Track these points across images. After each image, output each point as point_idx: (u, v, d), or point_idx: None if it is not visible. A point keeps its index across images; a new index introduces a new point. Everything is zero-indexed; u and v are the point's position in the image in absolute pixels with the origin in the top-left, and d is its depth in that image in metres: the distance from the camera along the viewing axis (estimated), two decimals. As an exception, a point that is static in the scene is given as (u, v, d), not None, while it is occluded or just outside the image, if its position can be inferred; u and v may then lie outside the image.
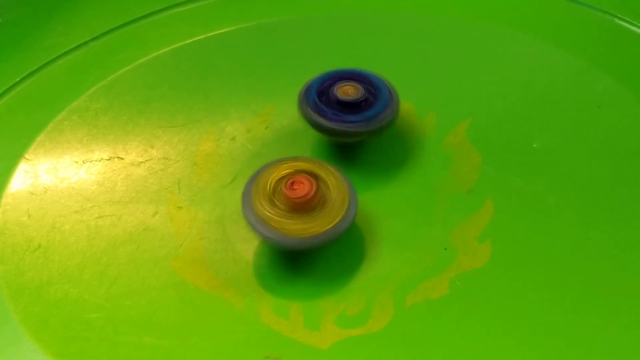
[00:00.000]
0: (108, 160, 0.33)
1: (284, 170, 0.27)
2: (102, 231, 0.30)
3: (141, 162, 0.33)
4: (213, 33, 0.38)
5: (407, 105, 0.34)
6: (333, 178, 0.27)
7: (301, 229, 0.26)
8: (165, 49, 0.37)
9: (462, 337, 0.25)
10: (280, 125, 0.34)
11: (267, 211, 0.26)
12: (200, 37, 0.38)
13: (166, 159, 0.33)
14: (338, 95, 0.30)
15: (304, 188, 0.26)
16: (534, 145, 0.31)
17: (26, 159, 0.33)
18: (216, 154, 0.33)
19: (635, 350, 0.25)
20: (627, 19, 0.35)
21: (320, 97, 0.31)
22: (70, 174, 0.32)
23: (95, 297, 0.28)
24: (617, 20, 0.35)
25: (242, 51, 0.37)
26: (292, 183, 0.26)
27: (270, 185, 0.27)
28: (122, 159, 0.33)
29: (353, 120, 0.30)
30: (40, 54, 0.37)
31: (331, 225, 0.26)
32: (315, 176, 0.27)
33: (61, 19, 0.39)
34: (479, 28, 0.36)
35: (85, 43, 0.38)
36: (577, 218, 0.28)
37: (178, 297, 0.27)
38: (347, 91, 0.30)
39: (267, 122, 0.34)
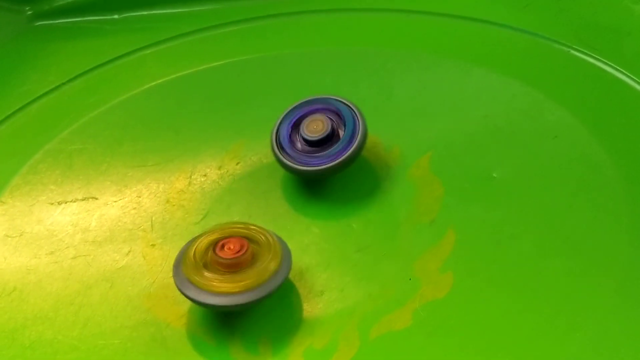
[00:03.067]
0: (82, 200, 0.34)
1: (213, 235, 0.28)
2: (76, 272, 0.31)
3: (115, 202, 0.34)
4: (183, 73, 0.39)
5: (374, 138, 0.35)
6: (262, 236, 0.28)
7: (230, 287, 0.27)
8: (137, 90, 0.38)
9: (425, 366, 0.26)
10: (251, 161, 0.35)
11: (196, 276, 0.27)
12: (170, 77, 0.39)
13: (139, 197, 0.34)
14: (306, 133, 0.31)
15: (233, 248, 0.27)
16: (494, 175, 0.32)
17: (1, 202, 0.34)
18: (188, 192, 0.34)
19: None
20: (583, 50, 0.36)
21: (289, 136, 0.32)
22: (45, 216, 0.33)
23: (69, 338, 0.28)
24: (572, 52, 0.36)
25: (211, 89, 0.38)
26: (222, 245, 0.27)
27: (199, 251, 0.28)
28: (96, 199, 0.34)
29: (318, 160, 0.31)
30: (14, 100, 0.38)
31: (261, 281, 0.27)
32: (244, 237, 0.28)
33: (33, 65, 0.40)
34: (436, 63, 0.38)
35: (59, 86, 0.39)
36: (534, 246, 0.29)
37: (150, 335, 0.28)
38: (315, 127, 0.31)
39: (238, 158, 0.35)
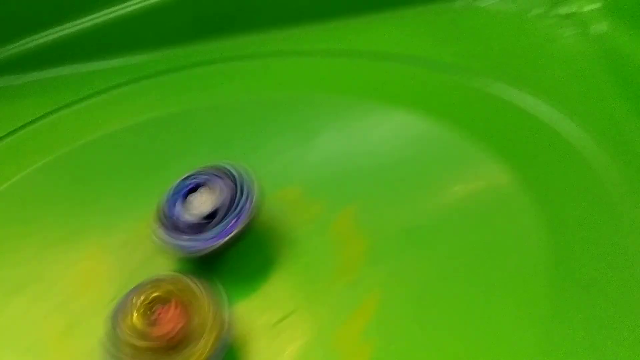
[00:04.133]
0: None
1: (146, 295, 0.27)
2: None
3: (20, 288, 0.31)
4: (93, 137, 0.37)
5: (298, 190, 0.34)
6: (197, 301, 0.26)
7: None
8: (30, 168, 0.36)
9: None
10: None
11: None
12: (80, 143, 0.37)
13: (47, 280, 0.31)
14: (188, 216, 0.30)
15: (166, 325, 0.25)
16: (414, 226, 0.31)
17: None
18: (100, 268, 0.32)
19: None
20: (502, 85, 0.35)
21: (173, 220, 0.30)
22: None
23: None
24: (490, 88, 0.35)
25: (120, 152, 0.37)
26: (155, 320, 0.26)
27: (133, 317, 0.26)
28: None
29: (206, 239, 0.29)
30: None
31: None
32: (179, 305, 0.26)
33: None
34: (358, 105, 0.36)
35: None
36: (455, 302, 0.28)
37: None
38: (199, 206, 0.30)
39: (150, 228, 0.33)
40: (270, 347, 0.28)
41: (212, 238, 0.29)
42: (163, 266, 0.31)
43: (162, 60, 0.42)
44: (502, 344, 0.27)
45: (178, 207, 0.30)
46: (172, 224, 0.30)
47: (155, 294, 0.26)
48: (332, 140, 0.36)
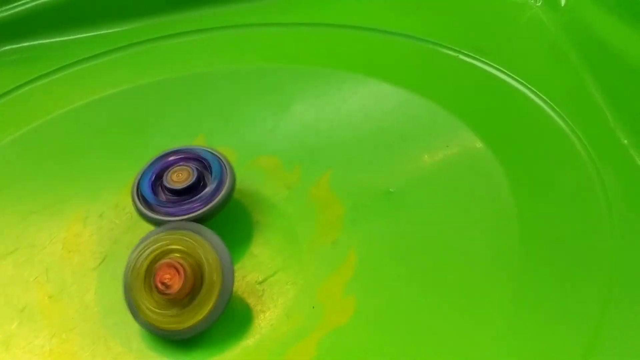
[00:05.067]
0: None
1: (157, 250, 0.28)
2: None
3: (7, 254, 0.32)
4: (71, 106, 0.38)
5: (274, 159, 0.35)
6: (205, 255, 0.28)
7: (174, 322, 0.27)
8: (25, 128, 0.37)
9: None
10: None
11: (144, 302, 0.27)
12: (58, 112, 0.37)
13: (32, 246, 0.32)
14: (170, 183, 0.30)
15: (173, 284, 0.27)
16: (390, 190, 0.33)
17: None
18: (84, 234, 0.33)
19: None
20: (471, 54, 0.37)
21: (152, 189, 0.31)
22: None
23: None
24: (460, 57, 0.37)
25: (104, 120, 0.37)
26: (162, 280, 0.27)
27: (145, 270, 0.28)
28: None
29: (188, 206, 0.30)
30: None
31: (203, 314, 0.27)
32: (184, 266, 0.27)
33: None
34: (332, 75, 0.38)
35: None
36: (431, 261, 0.30)
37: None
38: (179, 177, 0.30)
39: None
40: (256, 304, 0.29)
41: (190, 207, 0.30)
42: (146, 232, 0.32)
43: (137, 31, 0.42)
44: (477, 295, 0.28)
45: (153, 184, 0.31)
46: (147, 201, 0.30)
47: (159, 262, 0.28)
48: (307, 110, 0.37)
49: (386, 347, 0.28)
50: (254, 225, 0.32)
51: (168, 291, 0.27)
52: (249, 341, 0.28)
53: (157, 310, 0.27)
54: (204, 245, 0.28)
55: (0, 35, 0.40)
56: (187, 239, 0.28)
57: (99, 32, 0.42)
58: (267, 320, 0.29)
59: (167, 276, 0.27)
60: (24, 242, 0.32)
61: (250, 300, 0.30)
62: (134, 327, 0.29)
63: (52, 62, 0.40)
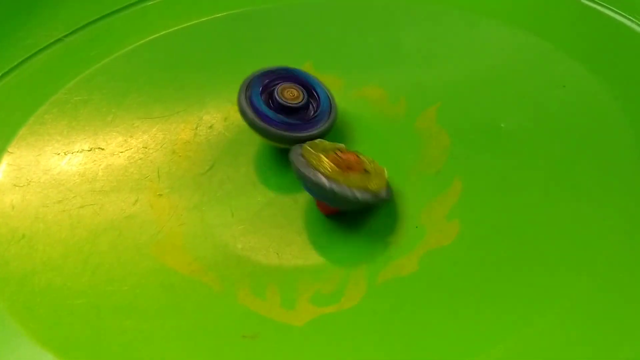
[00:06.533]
0: (89, 151, 0.34)
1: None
2: (84, 220, 0.31)
3: (121, 152, 0.34)
4: (186, 24, 0.39)
5: (380, 91, 0.35)
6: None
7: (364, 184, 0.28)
8: (140, 42, 0.38)
9: (430, 312, 0.27)
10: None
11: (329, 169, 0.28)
12: (173, 29, 0.39)
13: (145, 148, 0.34)
14: (284, 100, 0.31)
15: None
16: (501, 125, 0.32)
17: (9, 152, 0.34)
18: (194, 142, 0.34)
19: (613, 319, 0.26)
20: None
21: (264, 101, 0.31)
22: (52, 166, 0.33)
23: (79, 284, 0.29)
24: (582, 1, 0.36)
25: (215, 41, 0.38)
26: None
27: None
28: (102, 149, 0.34)
29: (308, 125, 0.31)
30: (19, 52, 0.38)
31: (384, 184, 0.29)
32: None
33: (38, 17, 0.40)
34: (444, 14, 0.37)
35: (62, 38, 0.38)
36: (541, 195, 0.29)
37: (158, 282, 0.29)
38: (291, 94, 0.31)
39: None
40: (353, 224, 0.30)
41: (312, 124, 0.31)
42: (258, 143, 0.33)
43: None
44: (584, 241, 0.28)
45: (263, 97, 0.31)
46: (259, 111, 0.31)
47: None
48: (416, 45, 0.37)
49: (487, 272, 0.27)
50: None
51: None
52: (351, 250, 0.29)
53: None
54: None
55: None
56: None
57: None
58: (370, 236, 0.29)
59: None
60: (136, 143, 0.34)
61: (353, 216, 0.30)
62: (233, 229, 0.30)
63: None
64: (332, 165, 0.28)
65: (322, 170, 0.28)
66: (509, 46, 0.35)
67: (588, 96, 0.32)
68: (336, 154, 0.29)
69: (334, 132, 0.33)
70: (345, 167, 0.28)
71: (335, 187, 0.27)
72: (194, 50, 0.38)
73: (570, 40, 0.34)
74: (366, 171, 0.29)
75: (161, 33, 0.39)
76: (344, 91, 0.35)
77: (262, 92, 0.31)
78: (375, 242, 0.29)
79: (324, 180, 0.27)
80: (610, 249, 0.27)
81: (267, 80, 0.32)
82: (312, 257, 0.29)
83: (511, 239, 0.28)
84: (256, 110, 0.31)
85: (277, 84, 0.32)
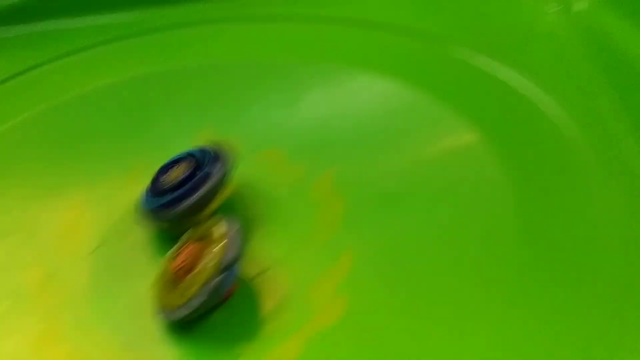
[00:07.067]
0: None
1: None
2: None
3: (5, 236, 0.32)
4: (81, 91, 0.38)
5: (279, 153, 0.34)
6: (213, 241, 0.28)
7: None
8: (32, 111, 0.37)
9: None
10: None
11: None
12: (67, 96, 0.37)
13: (30, 229, 0.32)
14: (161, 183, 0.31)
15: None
16: (389, 190, 0.32)
17: None
18: (83, 220, 0.32)
19: None
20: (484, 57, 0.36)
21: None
22: None
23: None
24: (469, 61, 0.36)
25: (111, 107, 0.37)
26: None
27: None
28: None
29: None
30: None
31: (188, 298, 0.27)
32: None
33: None
34: (343, 72, 0.37)
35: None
36: (428, 264, 0.29)
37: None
38: (171, 176, 0.31)
39: (137, 180, 0.34)
40: (247, 301, 0.29)
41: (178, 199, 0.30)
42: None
43: (150, 19, 0.42)
44: (471, 300, 0.28)
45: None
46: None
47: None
48: (315, 106, 0.37)
49: (373, 352, 0.27)
50: (252, 218, 0.32)
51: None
52: (235, 336, 0.28)
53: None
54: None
55: (14, 17, 0.40)
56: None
57: (111, 18, 0.42)
58: (255, 315, 0.28)
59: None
60: (20, 225, 0.32)
61: (242, 294, 0.29)
62: (124, 313, 0.29)
63: (62, 47, 0.40)
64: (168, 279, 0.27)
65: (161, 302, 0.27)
66: (403, 105, 0.35)
67: (473, 156, 0.32)
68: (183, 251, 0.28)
69: (230, 199, 0.32)
70: (184, 273, 0.27)
71: (174, 316, 0.27)
72: (83, 121, 0.37)
73: (460, 100, 0.34)
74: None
75: (54, 101, 0.37)
76: (243, 154, 0.34)
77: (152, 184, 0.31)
78: (260, 322, 0.28)
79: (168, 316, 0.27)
80: (497, 312, 0.27)
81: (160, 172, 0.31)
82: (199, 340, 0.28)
83: (401, 311, 0.28)
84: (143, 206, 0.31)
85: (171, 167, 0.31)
